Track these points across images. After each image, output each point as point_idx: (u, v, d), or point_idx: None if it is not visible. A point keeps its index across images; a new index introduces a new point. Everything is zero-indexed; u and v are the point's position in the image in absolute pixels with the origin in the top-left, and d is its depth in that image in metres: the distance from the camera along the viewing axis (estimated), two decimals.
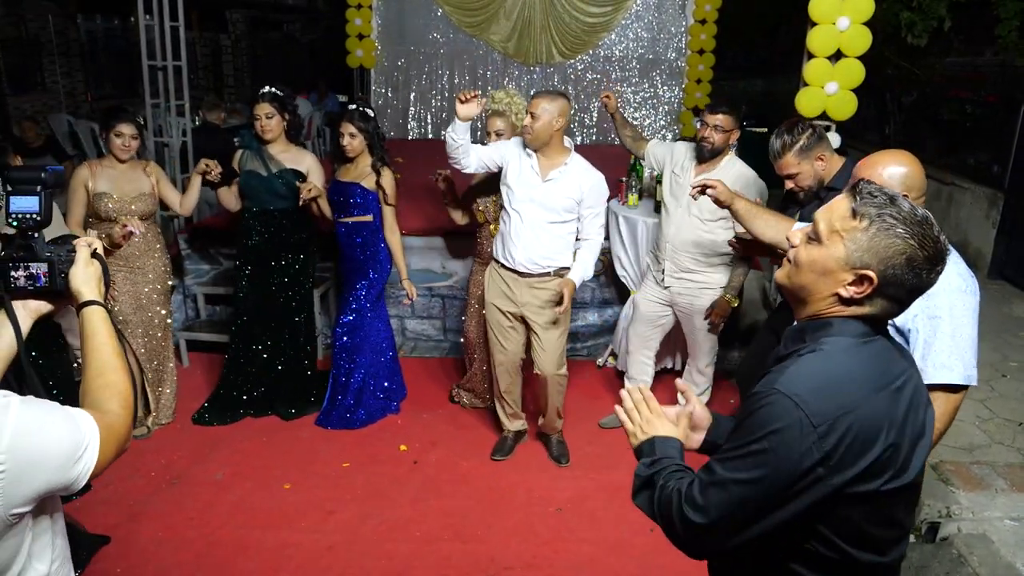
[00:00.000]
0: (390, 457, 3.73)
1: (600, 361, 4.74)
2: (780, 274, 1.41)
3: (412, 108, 9.29)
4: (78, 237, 1.42)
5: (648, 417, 1.48)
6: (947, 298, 1.95)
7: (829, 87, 4.31)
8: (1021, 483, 3.18)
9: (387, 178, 3.78)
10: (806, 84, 4.42)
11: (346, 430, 3.93)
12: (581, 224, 3.41)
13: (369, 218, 3.82)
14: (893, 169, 2.01)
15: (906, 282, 1.24)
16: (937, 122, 7.72)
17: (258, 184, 3.83)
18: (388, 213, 3.84)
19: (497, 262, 3.53)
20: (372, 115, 3.79)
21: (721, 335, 3.83)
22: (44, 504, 1.22)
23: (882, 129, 8.96)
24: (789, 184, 2.87)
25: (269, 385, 4.07)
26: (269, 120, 3.77)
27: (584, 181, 3.34)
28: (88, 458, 1.18)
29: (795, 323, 1.39)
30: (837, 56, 4.35)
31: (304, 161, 3.89)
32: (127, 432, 1.29)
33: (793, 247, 1.37)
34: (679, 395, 1.61)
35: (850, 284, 1.26)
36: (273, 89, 3.81)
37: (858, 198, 1.26)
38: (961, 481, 3.16)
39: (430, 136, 9.28)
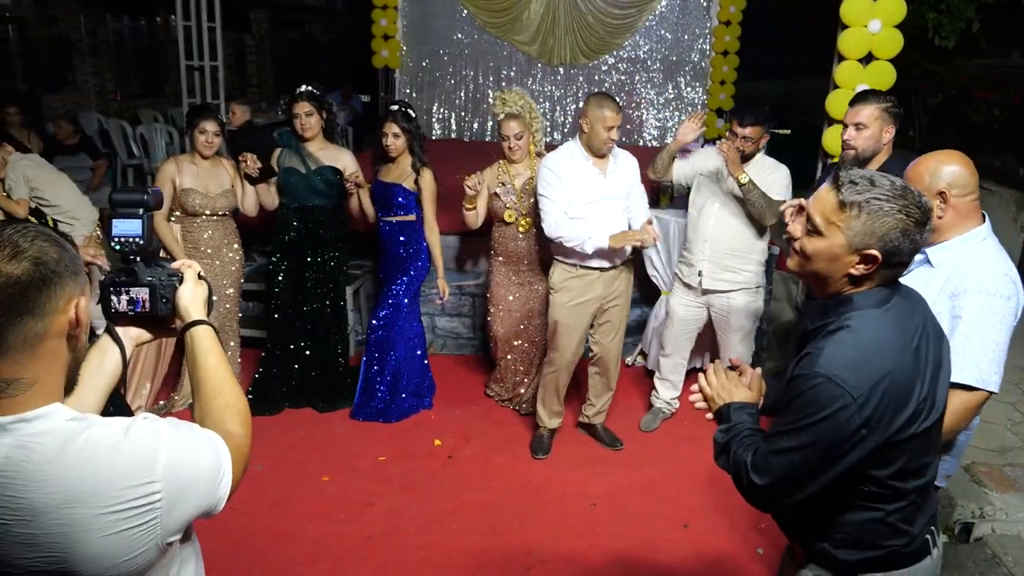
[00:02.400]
0: (425, 451, 3.79)
1: (629, 360, 4.78)
2: (792, 264, 1.54)
3: (436, 109, 9.36)
4: (172, 261, 1.41)
5: (725, 384, 1.67)
6: (973, 299, 1.92)
7: (860, 89, 4.33)
8: None
9: (427, 178, 3.85)
10: (837, 86, 4.44)
11: (381, 424, 4.00)
12: (632, 206, 3.59)
13: (412, 218, 3.90)
14: (943, 167, 2.00)
15: (905, 248, 1.39)
16: (962, 124, 7.71)
17: (297, 181, 3.91)
18: (428, 212, 3.90)
19: (569, 265, 3.55)
20: (414, 115, 3.86)
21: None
22: (188, 529, 1.19)
23: (907, 131, 8.95)
24: (847, 135, 2.85)
25: (305, 378, 4.16)
26: (309, 118, 3.84)
27: (631, 166, 3.59)
28: (226, 480, 1.16)
29: (817, 300, 1.54)
30: (868, 59, 4.38)
31: (342, 159, 3.97)
32: (249, 451, 1.28)
33: (796, 239, 1.50)
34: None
35: (858, 264, 1.41)
36: (311, 88, 3.89)
37: (842, 189, 1.40)
38: (994, 483, 3.19)
39: (453, 136, 9.36)
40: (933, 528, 1.60)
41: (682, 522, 3.26)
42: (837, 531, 1.55)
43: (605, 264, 3.53)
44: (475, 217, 3.91)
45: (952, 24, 7.30)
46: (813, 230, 1.44)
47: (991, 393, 1.93)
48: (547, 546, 3.11)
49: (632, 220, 3.58)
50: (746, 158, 3.58)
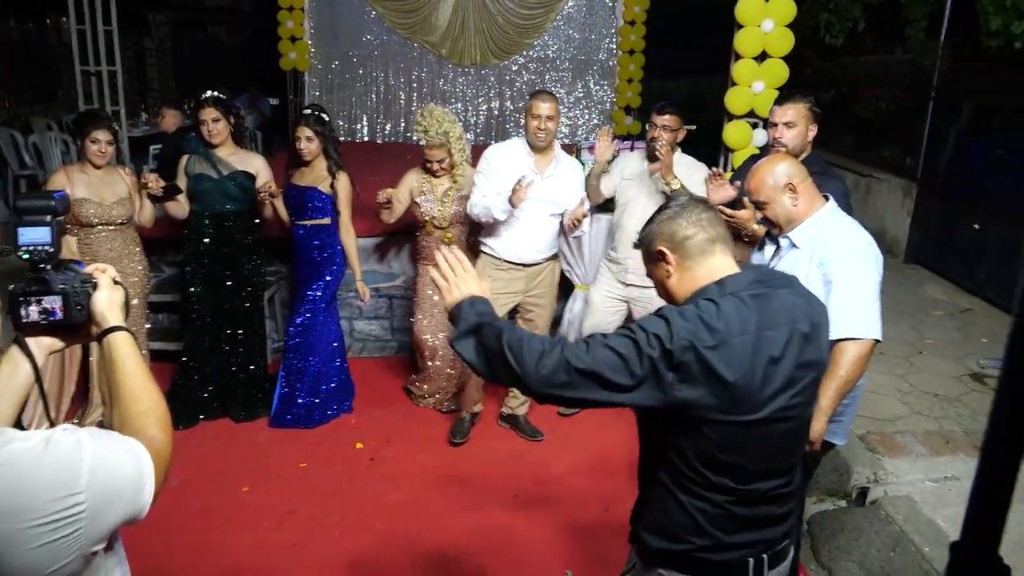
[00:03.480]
0: (346, 455, 3.78)
1: None
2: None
3: (348, 111, 9.27)
4: (78, 264, 1.36)
5: (464, 276, 1.67)
6: (839, 262, 2.18)
7: (756, 86, 4.55)
8: (938, 448, 3.47)
9: (343, 181, 3.84)
10: (735, 83, 4.65)
11: (301, 431, 3.97)
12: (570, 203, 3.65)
13: (327, 221, 3.88)
14: (777, 167, 2.30)
15: (678, 233, 1.63)
16: (854, 118, 8.15)
17: (210, 187, 3.84)
18: (344, 215, 3.90)
19: (495, 258, 3.67)
20: (327, 119, 3.85)
21: None
22: (112, 538, 1.19)
23: None
24: (777, 133, 2.95)
25: (223, 388, 4.08)
26: (216, 124, 3.77)
27: (575, 173, 3.68)
28: (149, 486, 1.15)
29: None
30: (763, 57, 4.60)
31: (253, 163, 3.92)
32: (171, 456, 1.26)
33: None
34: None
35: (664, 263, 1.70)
36: (216, 93, 3.82)
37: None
38: (886, 449, 3.42)
39: (366, 138, 9.29)
40: (763, 557, 1.56)
41: (603, 505, 3.36)
42: (648, 512, 1.64)
43: (527, 260, 3.61)
44: (389, 215, 3.95)
45: (841, 23, 7.71)
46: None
47: (877, 341, 2.17)
48: (473, 540, 3.16)
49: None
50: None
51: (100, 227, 3.71)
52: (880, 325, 2.19)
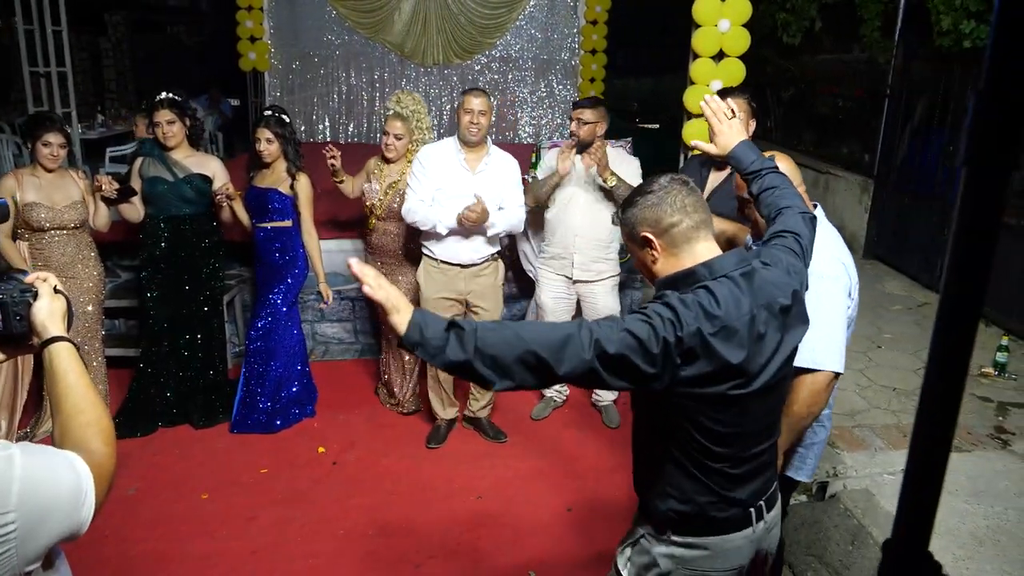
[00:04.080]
0: (309, 460, 3.74)
1: None
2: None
3: (310, 111, 9.19)
4: (22, 273, 1.33)
5: (387, 287, 1.40)
6: (810, 282, 1.91)
7: (714, 85, 4.58)
8: (897, 442, 3.52)
9: (303, 183, 3.80)
10: (693, 83, 4.69)
11: (262, 436, 3.91)
12: (506, 205, 3.61)
13: (288, 223, 3.83)
14: None
15: (662, 218, 1.60)
16: (812, 116, 8.27)
17: (165, 190, 3.77)
18: (306, 217, 3.85)
19: (433, 259, 3.63)
20: (288, 120, 3.81)
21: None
22: (51, 555, 1.16)
23: (764, 123, 9.52)
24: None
25: (182, 394, 4.01)
26: (171, 126, 3.71)
27: (508, 168, 3.62)
28: (89, 502, 1.13)
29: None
30: (720, 56, 4.64)
31: (210, 165, 3.86)
32: (114, 470, 1.23)
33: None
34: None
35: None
36: (171, 95, 3.75)
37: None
38: (845, 443, 3.47)
39: (328, 139, 9.21)
40: (761, 504, 1.69)
41: (565, 506, 3.37)
42: (657, 483, 1.67)
43: (464, 260, 3.60)
44: (349, 187, 4.01)
45: (798, 23, 7.82)
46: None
47: (837, 374, 1.99)
48: (436, 542, 3.14)
49: (502, 210, 3.62)
50: (586, 146, 3.65)
51: (52, 231, 3.64)
52: (842, 357, 2.00)
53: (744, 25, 4.54)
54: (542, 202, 3.87)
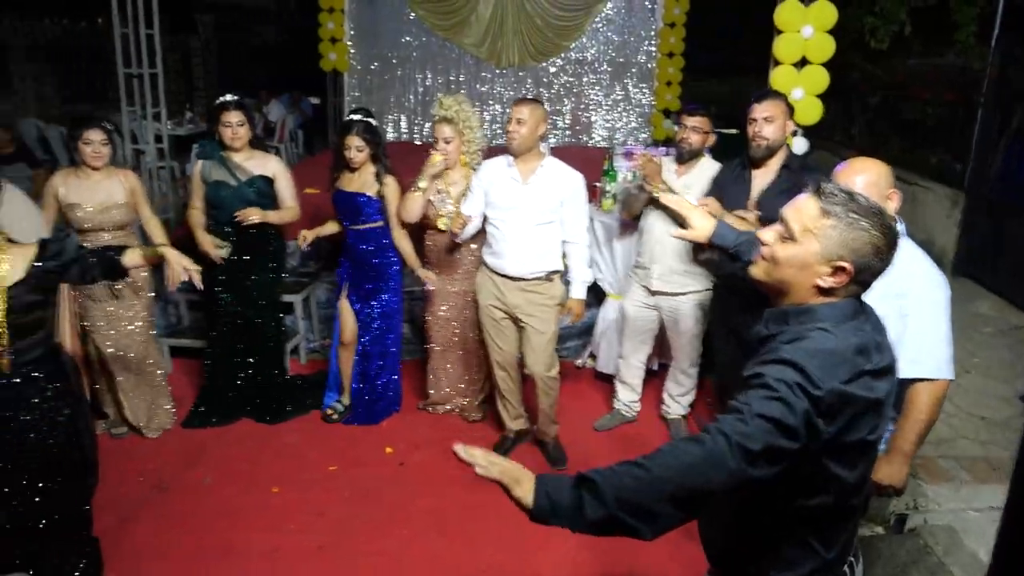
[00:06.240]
0: (376, 459, 3.79)
1: (579, 362, 4.84)
2: (757, 270, 1.53)
3: (386, 111, 9.33)
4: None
5: (495, 460, 1.36)
6: (920, 296, 2.07)
7: (795, 93, 4.45)
8: (984, 476, 3.32)
9: (391, 187, 3.82)
10: None
11: (331, 434, 4.01)
12: (564, 227, 3.51)
13: (380, 223, 3.87)
14: (860, 176, 2.12)
15: (874, 267, 1.41)
16: (900, 123, 7.94)
17: (228, 194, 3.83)
18: (393, 218, 3.85)
19: (487, 267, 3.63)
20: (375, 124, 3.82)
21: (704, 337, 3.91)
22: None
23: (848, 130, 9.19)
24: (757, 128, 3.13)
25: (250, 390, 4.12)
26: (240, 128, 3.77)
27: (564, 180, 3.48)
28: None
29: (775, 307, 1.52)
30: (802, 63, 4.50)
31: (269, 165, 3.91)
32: None
33: (766, 245, 1.50)
34: None
35: (828, 275, 1.41)
36: (237, 97, 3.83)
37: (823, 198, 1.42)
38: (928, 474, 3.30)
39: (404, 138, 9.34)
40: (854, 556, 1.61)
41: None
42: (764, 554, 1.54)
43: (510, 272, 3.52)
44: (418, 203, 3.68)
45: (886, 27, 7.53)
46: (788, 236, 1.44)
47: (950, 381, 2.11)
48: (501, 553, 3.13)
49: (565, 242, 3.55)
50: (693, 155, 3.63)
51: (92, 232, 3.64)
52: (954, 364, 2.13)
53: (829, 31, 4.40)
54: (635, 213, 3.84)
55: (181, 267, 2.64)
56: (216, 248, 3.82)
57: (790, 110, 3.17)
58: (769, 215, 3.00)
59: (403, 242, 3.92)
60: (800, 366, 1.32)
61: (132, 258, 2.58)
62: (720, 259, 2.17)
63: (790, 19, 4.35)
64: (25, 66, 10.13)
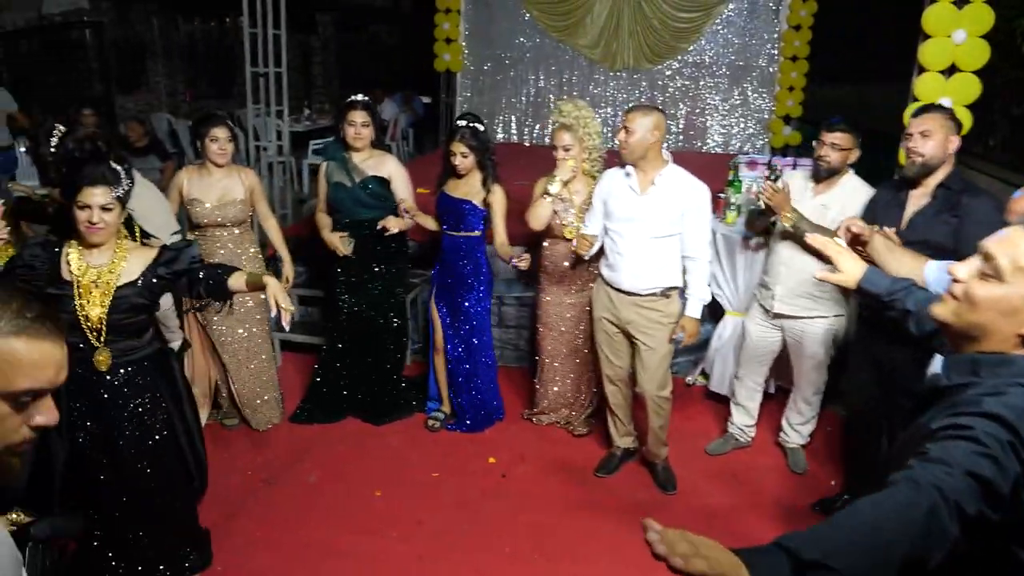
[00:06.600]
0: (478, 469, 3.74)
1: (689, 379, 4.64)
2: (943, 311, 1.31)
3: (497, 112, 9.32)
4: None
5: (706, 542, 1.11)
6: None
7: (943, 102, 4.10)
8: None
9: (498, 196, 3.76)
10: (916, 99, 4.23)
11: (435, 440, 4.00)
12: (684, 241, 3.32)
13: (477, 233, 3.84)
14: None
15: None
16: None
17: (345, 196, 3.86)
18: (500, 229, 3.78)
19: (602, 279, 3.51)
20: (483, 129, 3.75)
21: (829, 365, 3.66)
22: None
23: (986, 141, 8.53)
24: (912, 143, 2.84)
25: (361, 389, 4.15)
26: (364, 128, 3.78)
27: (686, 191, 3.29)
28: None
29: (960, 354, 1.30)
30: (951, 70, 4.15)
31: (386, 166, 3.89)
32: None
33: (959, 282, 1.27)
34: None
35: None
36: (367, 98, 3.85)
37: None
38: None
39: (514, 140, 9.31)
40: None
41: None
42: None
43: (624, 286, 3.37)
44: (548, 209, 3.60)
45: None
46: (991, 274, 1.22)
47: None
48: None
49: (685, 257, 3.35)
50: (831, 173, 3.36)
51: (210, 228, 3.72)
52: None
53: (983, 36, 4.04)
54: (758, 229, 3.68)
55: (274, 300, 2.49)
56: (342, 241, 3.87)
57: (956, 125, 2.84)
58: (916, 238, 2.75)
59: (506, 250, 3.76)
60: (1011, 424, 1.11)
61: (237, 282, 2.56)
62: (871, 304, 1.92)
63: (941, 22, 4.01)
64: (160, 63, 10.70)
